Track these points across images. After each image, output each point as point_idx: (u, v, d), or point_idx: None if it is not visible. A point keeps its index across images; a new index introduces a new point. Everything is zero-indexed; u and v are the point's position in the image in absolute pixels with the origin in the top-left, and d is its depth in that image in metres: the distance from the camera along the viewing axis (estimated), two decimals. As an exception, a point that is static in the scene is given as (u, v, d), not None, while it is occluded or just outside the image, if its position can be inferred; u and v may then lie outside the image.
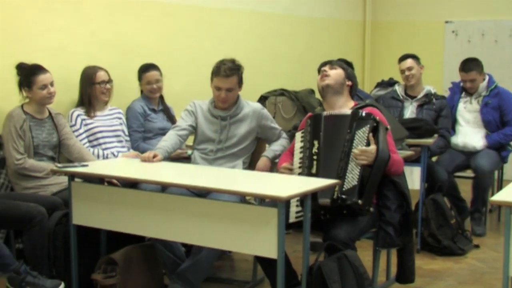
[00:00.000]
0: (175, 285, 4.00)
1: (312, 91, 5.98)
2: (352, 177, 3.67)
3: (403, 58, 5.74)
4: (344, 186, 3.67)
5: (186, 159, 4.74)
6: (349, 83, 4.06)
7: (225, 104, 4.41)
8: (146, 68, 5.18)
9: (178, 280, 4.00)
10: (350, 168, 3.69)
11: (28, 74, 4.40)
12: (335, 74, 4.01)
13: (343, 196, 3.63)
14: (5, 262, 3.59)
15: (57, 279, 3.92)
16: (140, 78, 5.20)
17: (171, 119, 5.25)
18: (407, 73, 5.64)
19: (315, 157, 3.81)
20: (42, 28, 4.85)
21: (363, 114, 3.80)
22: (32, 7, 4.78)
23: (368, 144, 3.72)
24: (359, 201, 3.64)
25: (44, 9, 4.86)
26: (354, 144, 3.73)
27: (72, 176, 4.00)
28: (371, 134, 3.73)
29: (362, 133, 3.74)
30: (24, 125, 4.36)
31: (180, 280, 3.99)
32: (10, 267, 3.60)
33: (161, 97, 5.29)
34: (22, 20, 4.73)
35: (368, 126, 3.74)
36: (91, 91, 4.82)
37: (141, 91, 5.24)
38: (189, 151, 4.70)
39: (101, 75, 4.84)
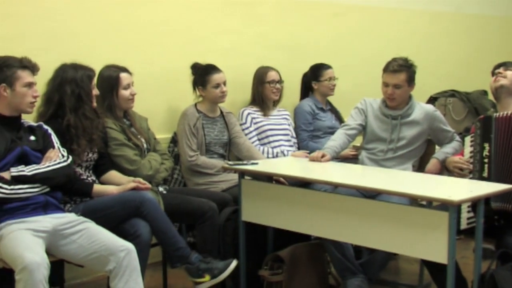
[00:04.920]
0: (352, 280, 4.04)
1: (484, 92, 5.77)
2: None
3: None
4: None
5: (352, 160, 4.72)
6: None
7: (393, 102, 4.34)
8: (327, 66, 5.22)
9: (352, 275, 4.07)
10: None
11: (202, 74, 4.56)
12: (511, 75, 3.86)
13: None
14: (183, 254, 3.72)
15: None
16: (319, 75, 5.21)
17: (339, 119, 5.25)
18: None
19: (486, 160, 3.66)
20: (215, 30, 5.02)
21: None
22: (205, 10, 4.97)
23: None
24: None
25: (217, 11, 5.03)
26: None
27: (242, 174, 4.08)
28: None
29: None
30: (197, 123, 4.52)
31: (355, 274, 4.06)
32: (187, 259, 3.73)
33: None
34: (196, 23, 4.92)
35: None
36: (262, 90, 4.94)
37: (311, 91, 5.27)
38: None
39: (272, 75, 4.95)
